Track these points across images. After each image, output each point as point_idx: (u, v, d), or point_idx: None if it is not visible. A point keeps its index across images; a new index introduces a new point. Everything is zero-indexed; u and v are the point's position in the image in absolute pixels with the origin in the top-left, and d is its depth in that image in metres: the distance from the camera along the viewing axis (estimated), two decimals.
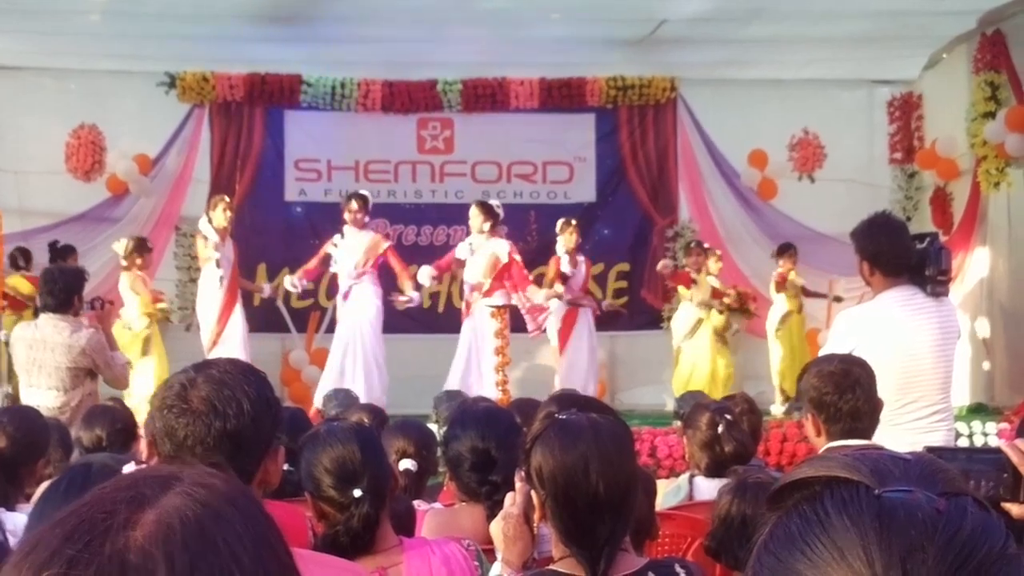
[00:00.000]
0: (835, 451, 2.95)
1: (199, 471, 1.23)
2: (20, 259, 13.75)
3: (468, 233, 13.33)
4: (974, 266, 14.69)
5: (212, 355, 12.22)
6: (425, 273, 13.26)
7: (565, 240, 13.77)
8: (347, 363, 12.99)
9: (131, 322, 12.87)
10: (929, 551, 1.07)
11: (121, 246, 13.16)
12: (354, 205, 13.09)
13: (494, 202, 13.39)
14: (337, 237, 13.19)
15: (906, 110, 16.69)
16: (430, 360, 13.84)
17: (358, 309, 13.07)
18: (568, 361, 13.77)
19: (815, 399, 4.77)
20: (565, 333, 13.79)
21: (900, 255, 5.89)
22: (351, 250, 13.07)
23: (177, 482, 1.18)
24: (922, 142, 16.40)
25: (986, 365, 14.55)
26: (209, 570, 1.10)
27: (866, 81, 16.77)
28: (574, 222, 13.97)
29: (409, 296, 13.19)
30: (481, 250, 12.91)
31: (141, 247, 13.25)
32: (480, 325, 12.80)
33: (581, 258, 14.01)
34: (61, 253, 13.73)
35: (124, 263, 13.12)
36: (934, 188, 15.96)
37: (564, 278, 13.66)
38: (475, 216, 12.99)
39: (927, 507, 1.10)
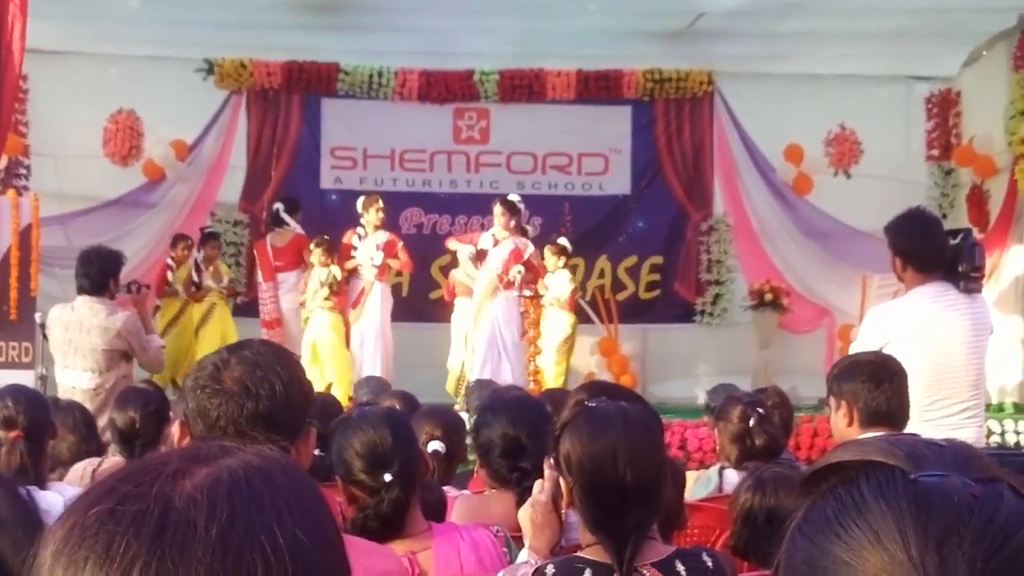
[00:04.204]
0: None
1: (262, 447, 1.25)
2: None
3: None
4: (1010, 264, 14.59)
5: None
6: (465, 251, 13.61)
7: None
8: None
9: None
10: (965, 535, 1.07)
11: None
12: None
13: (514, 197, 13.36)
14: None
15: (944, 107, 16.59)
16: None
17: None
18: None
19: (851, 388, 4.76)
20: None
21: (933, 251, 5.87)
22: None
23: (238, 450, 1.21)
24: (959, 139, 16.31)
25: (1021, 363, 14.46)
26: (248, 523, 1.12)
27: (904, 77, 16.66)
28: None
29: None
30: (504, 244, 12.91)
31: (331, 248, 13.62)
32: (502, 316, 12.83)
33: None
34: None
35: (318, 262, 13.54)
36: (971, 185, 15.87)
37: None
38: (500, 215, 12.97)
39: (963, 491, 1.10)
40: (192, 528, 1.10)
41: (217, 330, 14.03)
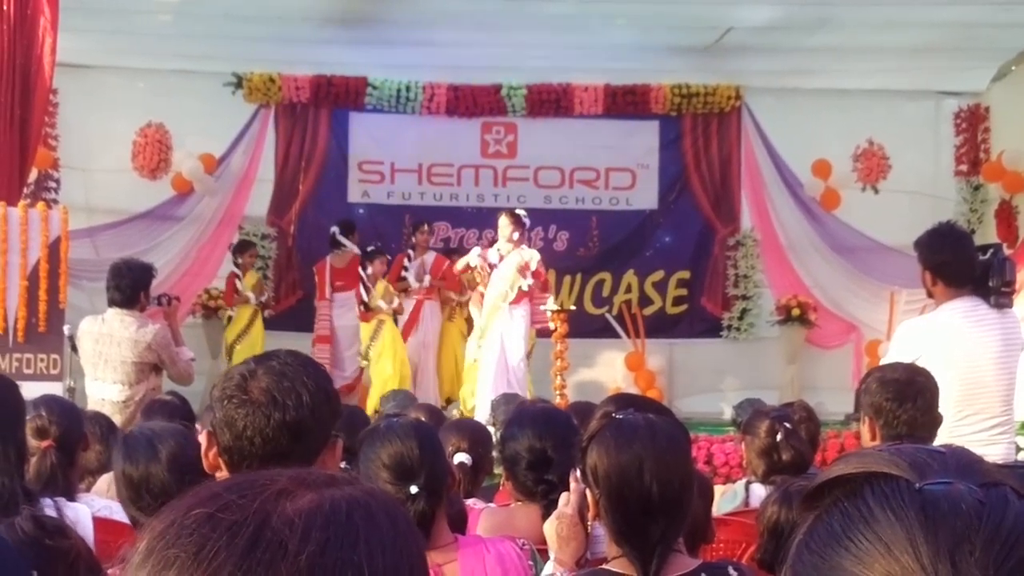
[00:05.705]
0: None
1: (374, 486, 1.27)
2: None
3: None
4: None
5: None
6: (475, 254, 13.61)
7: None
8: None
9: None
10: (976, 542, 1.06)
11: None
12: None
13: (520, 212, 13.27)
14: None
15: (973, 122, 16.52)
16: None
17: None
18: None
19: (874, 404, 4.75)
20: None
21: (964, 266, 5.84)
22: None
23: (347, 483, 1.22)
24: (988, 154, 16.25)
25: None
26: (338, 556, 1.12)
27: (932, 92, 16.61)
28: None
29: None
30: (509, 258, 12.84)
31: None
32: (509, 332, 12.78)
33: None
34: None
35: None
36: (999, 201, 15.82)
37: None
38: (505, 226, 12.84)
39: (970, 498, 1.10)
40: (283, 550, 1.10)
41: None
